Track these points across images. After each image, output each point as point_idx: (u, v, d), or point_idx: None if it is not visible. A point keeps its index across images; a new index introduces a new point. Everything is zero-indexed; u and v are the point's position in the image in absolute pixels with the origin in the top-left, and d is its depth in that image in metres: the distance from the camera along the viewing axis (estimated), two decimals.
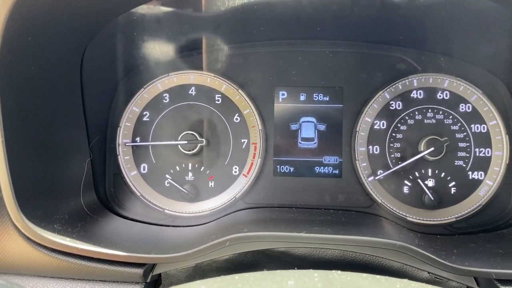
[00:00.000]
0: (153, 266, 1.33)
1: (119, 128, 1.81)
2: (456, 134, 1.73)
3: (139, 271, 1.28)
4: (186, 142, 1.75)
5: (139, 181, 1.80)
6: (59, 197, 1.44)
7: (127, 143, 1.80)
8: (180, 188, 1.77)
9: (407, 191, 1.73)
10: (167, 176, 1.80)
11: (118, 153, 1.80)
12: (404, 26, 1.65)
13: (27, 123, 1.30)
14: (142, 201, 1.79)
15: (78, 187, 1.55)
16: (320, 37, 1.78)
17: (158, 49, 1.77)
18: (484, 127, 1.73)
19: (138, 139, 1.81)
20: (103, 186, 1.77)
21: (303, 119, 1.81)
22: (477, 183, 1.71)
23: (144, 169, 1.81)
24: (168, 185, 1.79)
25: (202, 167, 1.80)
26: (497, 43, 1.61)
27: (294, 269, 1.17)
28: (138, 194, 1.79)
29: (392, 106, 1.76)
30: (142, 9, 1.43)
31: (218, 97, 1.81)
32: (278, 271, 0.97)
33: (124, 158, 1.80)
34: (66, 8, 1.19)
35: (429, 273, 1.31)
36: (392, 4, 1.45)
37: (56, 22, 1.22)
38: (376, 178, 1.74)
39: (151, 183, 1.80)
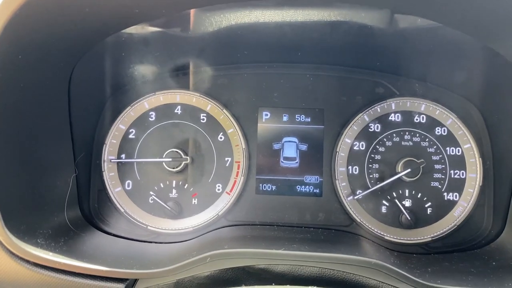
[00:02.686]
0: (134, 281, 1.35)
1: (104, 145, 1.84)
2: (432, 156, 1.80)
3: (120, 286, 1.29)
4: (170, 159, 1.78)
5: (123, 197, 1.83)
6: (44, 212, 1.46)
7: (112, 159, 1.83)
8: (164, 205, 1.79)
9: (385, 211, 1.79)
10: (151, 193, 1.83)
11: (103, 170, 1.83)
12: (381, 53, 1.73)
13: (14, 138, 1.32)
14: (126, 217, 1.81)
15: (62, 203, 1.57)
16: (302, 61, 1.85)
17: (145, 69, 1.82)
18: (458, 150, 1.80)
19: (123, 156, 1.84)
20: (88, 202, 1.79)
21: (285, 139, 1.86)
22: (452, 204, 1.78)
23: (128, 186, 1.83)
24: (152, 201, 1.82)
25: (186, 185, 1.83)
26: (470, 71, 1.69)
27: (272, 285, 1.21)
28: (122, 210, 1.81)
29: (371, 128, 1.83)
30: (131, 30, 1.48)
31: (203, 116, 1.86)
32: (256, 286, 1.00)
33: (109, 174, 1.83)
34: (56, 29, 1.23)
35: None
36: (369, 32, 1.52)
37: (46, 43, 1.26)
38: (355, 197, 1.79)
39: (135, 200, 1.83)
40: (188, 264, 1.28)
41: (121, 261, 1.38)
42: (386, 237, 1.76)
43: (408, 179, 1.75)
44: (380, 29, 1.53)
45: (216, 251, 1.28)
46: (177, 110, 1.87)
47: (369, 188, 1.78)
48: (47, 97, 1.45)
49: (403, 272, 1.27)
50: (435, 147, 1.80)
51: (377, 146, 1.82)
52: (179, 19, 1.58)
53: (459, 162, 1.79)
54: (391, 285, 1.36)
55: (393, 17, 1.52)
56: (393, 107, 1.83)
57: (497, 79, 1.59)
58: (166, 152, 1.80)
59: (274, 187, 1.83)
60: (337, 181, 1.80)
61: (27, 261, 1.27)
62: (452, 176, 1.79)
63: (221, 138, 1.85)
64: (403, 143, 1.81)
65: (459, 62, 1.66)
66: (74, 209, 1.67)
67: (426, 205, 1.78)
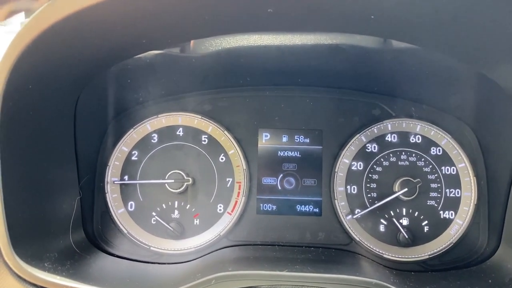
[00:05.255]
0: None
1: (108, 167, 1.87)
2: (428, 176, 1.84)
3: None
4: (173, 181, 1.81)
5: (126, 218, 1.85)
6: (50, 235, 1.48)
7: (116, 181, 1.86)
8: (166, 225, 1.82)
9: (383, 230, 1.82)
10: (153, 214, 1.85)
11: (106, 191, 1.85)
12: (377, 76, 1.78)
13: (22, 164, 1.35)
14: (129, 239, 1.83)
15: (67, 225, 1.59)
16: (301, 84, 1.90)
17: (148, 93, 1.86)
18: (453, 169, 1.85)
19: (126, 177, 1.87)
20: (91, 224, 1.81)
21: (284, 170, 1.90)
22: (448, 222, 1.82)
23: (131, 207, 1.86)
24: (155, 222, 1.85)
25: (188, 205, 1.86)
26: (464, 94, 1.73)
27: None
28: (125, 231, 1.84)
29: (368, 149, 1.88)
30: (135, 58, 1.52)
31: (204, 138, 1.90)
32: None
33: (112, 196, 1.86)
34: (65, 60, 1.27)
35: None
36: (365, 57, 1.58)
37: (54, 73, 1.30)
38: (354, 217, 1.82)
39: (138, 221, 1.85)
40: (194, 286, 1.30)
41: (126, 283, 1.41)
42: (384, 256, 1.80)
43: (405, 198, 1.79)
44: (376, 53, 1.58)
45: (221, 273, 1.31)
46: (179, 132, 1.90)
47: (367, 207, 1.82)
48: (54, 123, 1.48)
49: None
50: (430, 166, 1.85)
51: (375, 166, 1.86)
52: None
53: (454, 181, 1.84)
54: None
55: (388, 41, 1.58)
56: (390, 128, 1.88)
57: (490, 102, 1.64)
58: (168, 174, 1.83)
59: (274, 207, 1.87)
60: (336, 201, 1.84)
61: (35, 285, 1.28)
62: (448, 194, 1.83)
63: (222, 159, 1.89)
64: (399, 163, 1.85)
65: (453, 85, 1.71)
66: (79, 232, 1.70)
67: (423, 223, 1.82)
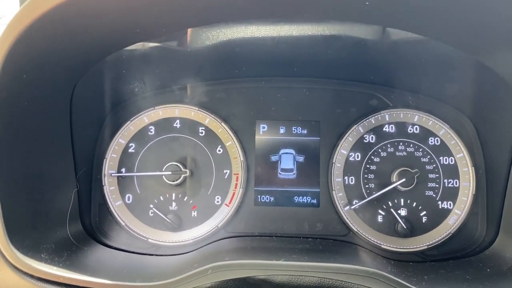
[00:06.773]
0: None
1: (105, 159, 1.86)
2: (426, 166, 1.83)
3: None
4: (170, 173, 1.81)
5: (124, 211, 1.85)
6: (47, 226, 1.48)
7: (113, 173, 1.86)
8: (164, 217, 1.82)
9: (381, 220, 1.82)
10: (151, 206, 1.85)
11: (103, 184, 1.85)
12: (374, 66, 1.77)
13: (18, 155, 1.35)
14: (126, 231, 1.83)
15: (64, 217, 1.59)
16: (298, 75, 1.89)
17: (145, 84, 1.85)
18: (452, 159, 1.84)
19: (123, 170, 1.87)
20: (89, 216, 1.81)
21: (282, 150, 1.89)
22: (446, 212, 1.81)
23: (129, 199, 1.86)
24: (152, 214, 1.85)
25: (186, 197, 1.86)
26: (462, 83, 1.72)
27: None
28: (123, 223, 1.83)
29: (366, 139, 1.87)
30: (131, 47, 1.51)
31: (201, 129, 1.89)
32: None
33: (110, 188, 1.86)
34: (59, 49, 1.26)
35: None
36: (362, 46, 1.57)
37: (49, 62, 1.29)
38: (352, 207, 1.82)
39: (136, 213, 1.85)
40: (190, 276, 1.30)
41: (123, 274, 1.40)
42: (382, 246, 1.79)
43: (403, 189, 1.79)
44: (373, 43, 1.57)
45: (217, 263, 1.30)
46: (176, 124, 1.90)
47: (365, 198, 1.81)
48: (49, 114, 1.48)
49: (400, 280, 1.29)
50: (428, 157, 1.84)
51: (372, 157, 1.85)
52: (177, 34, 1.62)
53: (453, 171, 1.83)
54: None
55: (385, 31, 1.57)
56: (387, 119, 1.88)
57: (488, 91, 1.63)
58: (166, 166, 1.83)
59: (272, 199, 1.86)
60: (334, 192, 1.83)
61: (32, 276, 1.28)
62: (446, 185, 1.82)
63: (219, 151, 1.88)
64: (397, 153, 1.85)
65: (451, 74, 1.70)
66: (76, 224, 1.70)
67: (421, 214, 1.81)
